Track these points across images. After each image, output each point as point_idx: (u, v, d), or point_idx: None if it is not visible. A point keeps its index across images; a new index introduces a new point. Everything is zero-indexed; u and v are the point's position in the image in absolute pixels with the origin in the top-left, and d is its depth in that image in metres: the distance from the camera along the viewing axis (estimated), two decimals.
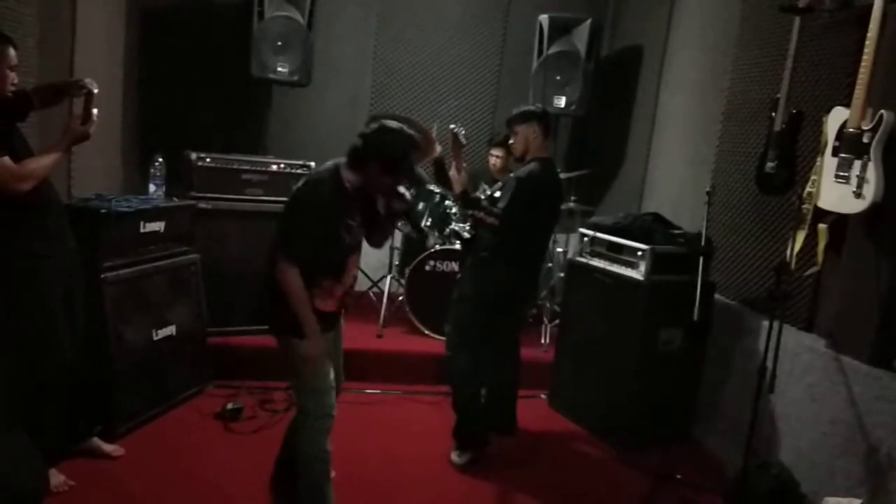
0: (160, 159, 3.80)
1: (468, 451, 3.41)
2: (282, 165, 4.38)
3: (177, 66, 4.96)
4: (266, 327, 2.63)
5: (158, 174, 3.80)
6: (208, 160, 4.15)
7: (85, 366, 2.97)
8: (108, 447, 3.12)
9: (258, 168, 4.30)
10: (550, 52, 5.05)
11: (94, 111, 2.69)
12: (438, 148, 3.54)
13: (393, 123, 2.57)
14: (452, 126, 3.47)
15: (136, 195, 3.73)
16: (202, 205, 4.00)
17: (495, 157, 4.76)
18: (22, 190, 2.50)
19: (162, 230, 3.56)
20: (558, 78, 5.05)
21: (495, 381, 3.60)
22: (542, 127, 3.42)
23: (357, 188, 2.56)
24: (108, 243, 3.21)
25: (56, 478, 2.79)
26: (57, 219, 2.74)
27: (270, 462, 3.18)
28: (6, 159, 2.45)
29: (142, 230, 3.43)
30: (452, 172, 3.43)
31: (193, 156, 4.12)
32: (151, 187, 3.79)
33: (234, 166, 4.24)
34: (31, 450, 2.52)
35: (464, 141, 3.58)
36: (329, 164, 2.61)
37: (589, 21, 5.02)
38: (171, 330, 3.58)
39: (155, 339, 3.48)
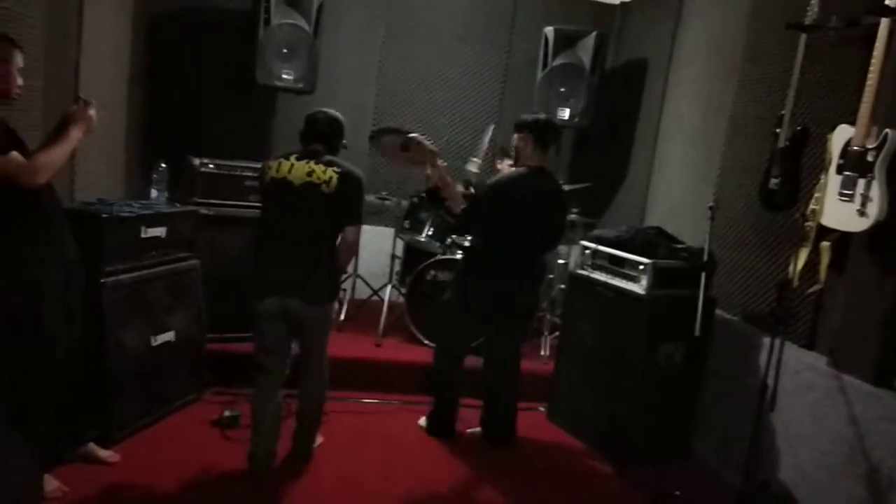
0: (163, 165, 3.80)
1: (431, 417, 3.78)
2: None
3: (182, 71, 4.97)
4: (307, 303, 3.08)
5: (161, 179, 3.80)
6: (211, 166, 4.15)
7: (82, 370, 2.96)
8: (104, 453, 3.10)
9: None
10: (555, 63, 5.08)
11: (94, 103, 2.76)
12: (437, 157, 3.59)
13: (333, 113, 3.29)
14: (413, 134, 3.63)
15: (138, 200, 3.72)
16: (204, 211, 3.99)
17: (507, 167, 4.76)
18: (38, 182, 2.51)
19: (163, 236, 3.55)
20: (563, 90, 5.07)
21: (489, 389, 3.75)
22: (534, 137, 3.52)
23: None
24: (108, 248, 3.20)
25: (50, 483, 2.77)
26: (57, 223, 2.73)
27: None
28: (15, 153, 2.45)
29: (143, 235, 3.41)
30: (429, 171, 3.57)
31: (196, 161, 4.12)
32: (153, 192, 3.78)
33: (238, 173, 4.23)
34: (25, 455, 2.52)
35: (430, 146, 3.61)
36: (327, 157, 3.12)
37: (594, 34, 5.04)
38: (170, 336, 3.57)
39: (153, 344, 3.47)
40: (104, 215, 3.17)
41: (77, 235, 2.86)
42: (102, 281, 3.15)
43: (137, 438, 3.34)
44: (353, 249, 3.26)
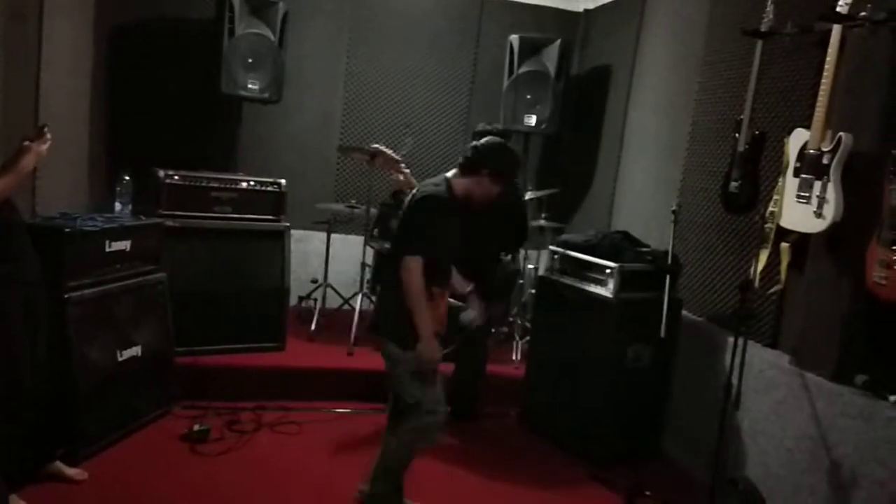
0: (127, 177, 3.75)
1: None
2: (251, 183, 4.35)
3: (145, 82, 4.92)
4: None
5: (125, 192, 3.75)
6: (176, 178, 4.11)
7: (47, 387, 2.90)
8: (71, 471, 3.04)
9: (227, 186, 4.27)
10: (521, 71, 5.13)
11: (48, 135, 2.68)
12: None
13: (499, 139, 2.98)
14: (376, 146, 4.29)
15: (102, 213, 3.67)
16: (170, 223, 3.95)
17: None
18: None
19: (128, 249, 3.50)
20: (528, 97, 5.12)
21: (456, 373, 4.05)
22: None
23: (462, 196, 2.83)
24: (72, 263, 3.15)
25: None
26: (17, 239, 2.69)
27: (238, 484, 3.16)
28: None
29: (107, 249, 3.37)
30: (399, 177, 4.10)
31: (161, 173, 4.07)
32: (118, 205, 3.73)
33: (203, 184, 4.20)
34: None
35: (392, 155, 4.19)
36: (439, 177, 2.89)
37: (558, 41, 5.11)
38: (136, 350, 3.52)
39: (120, 359, 3.42)
40: (67, 229, 3.13)
41: (40, 250, 2.81)
42: (67, 296, 3.10)
43: (105, 455, 3.28)
44: (406, 285, 2.67)
